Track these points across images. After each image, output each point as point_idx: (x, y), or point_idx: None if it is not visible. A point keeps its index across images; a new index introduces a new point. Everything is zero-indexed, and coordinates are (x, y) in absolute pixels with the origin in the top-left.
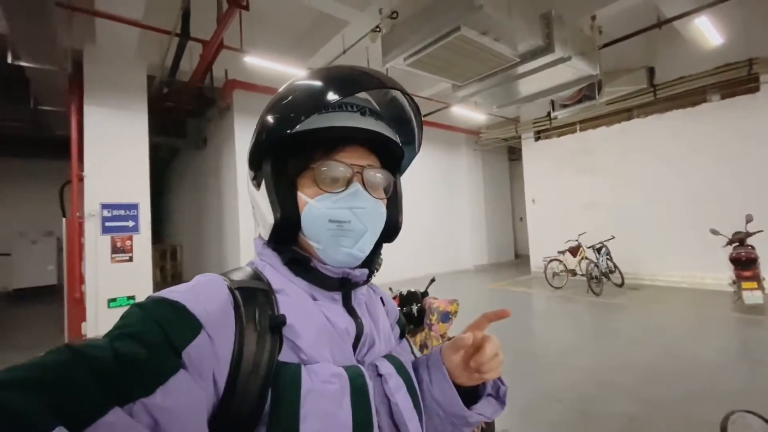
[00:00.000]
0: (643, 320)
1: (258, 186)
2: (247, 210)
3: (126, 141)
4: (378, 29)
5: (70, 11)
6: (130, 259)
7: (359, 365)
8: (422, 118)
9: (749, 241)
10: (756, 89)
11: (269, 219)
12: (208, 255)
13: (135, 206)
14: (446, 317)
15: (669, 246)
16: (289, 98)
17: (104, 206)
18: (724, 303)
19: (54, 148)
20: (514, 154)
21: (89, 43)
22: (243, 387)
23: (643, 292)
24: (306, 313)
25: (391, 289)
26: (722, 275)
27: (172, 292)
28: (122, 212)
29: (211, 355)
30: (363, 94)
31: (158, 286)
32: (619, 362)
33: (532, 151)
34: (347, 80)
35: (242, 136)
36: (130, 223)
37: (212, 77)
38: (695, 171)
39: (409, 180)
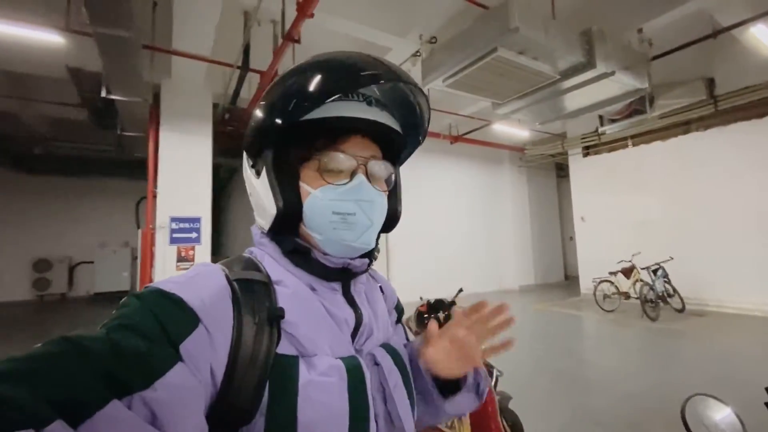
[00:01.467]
0: (705, 349)
1: (258, 174)
2: None
3: (193, 161)
4: (418, 54)
5: (152, 51)
6: None
7: (357, 356)
8: (431, 112)
9: None
10: None
11: (270, 209)
12: None
13: (198, 220)
14: None
15: (739, 270)
16: (295, 85)
17: (172, 219)
18: None
19: (132, 169)
20: (562, 170)
21: (166, 77)
22: (240, 379)
23: (707, 319)
24: (304, 304)
25: (421, 297)
26: None
27: (169, 283)
28: (187, 225)
29: (209, 348)
30: (369, 84)
31: None
32: (672, 390)
33: (580, 168)
34: (359, 69)
35: None
36: (194, 235)
37: None
38: (764, 187)
39: (450, 196)
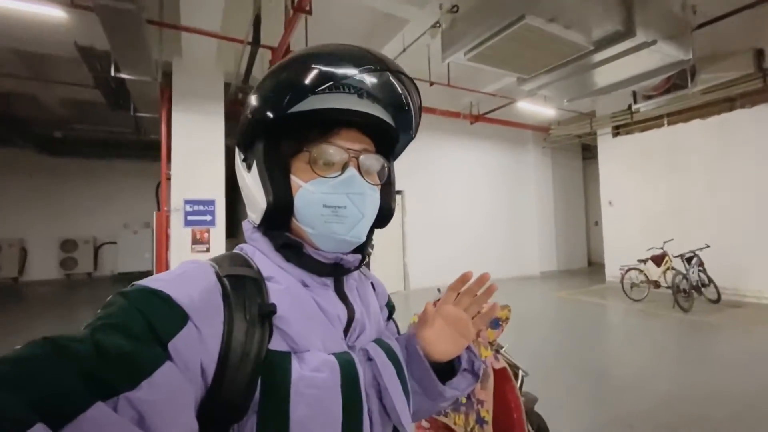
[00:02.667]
0: (745, 344)
1: (249, 168)
2: None
3: (206, 143)
4: (438, 25)
5: (160, 27)
6: (207, 250)
7: (350, 351)
8: (422, 102)
9: None
10: None
11: (261, 203)
12: None
13: (212, 202)
14: (496, 323)
15: None
16: (286, 76)
17: (187, 202)
18: None
19: (152, 150)
20: (589, 152)
21: (177, 55)
22: (232, 376)
23: (745, 311)
24: (296, 300)
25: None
26: None
27: (157, 281)
28: (201, 207)
29: (199, 345)
30: (360, 76)
31: None
32: (711, 391)
33: (610, 149)
34: (346, 60)
35: None
36: (208, 218)
37: None
38: None
39: (469, 179)
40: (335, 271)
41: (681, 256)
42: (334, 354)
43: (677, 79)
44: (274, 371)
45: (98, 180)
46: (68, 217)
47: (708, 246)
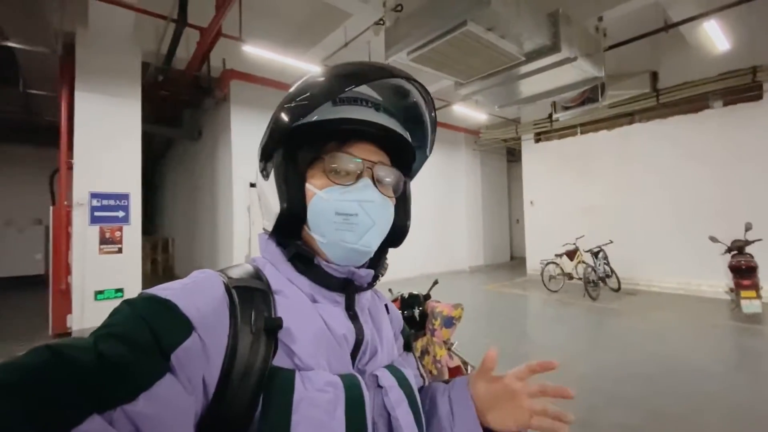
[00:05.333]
0: (641, 327)
1: (267, 176)
2: (241, 207)
3: (118, 129)
4: (381, 22)
5: None
6: (120, 251)
7: (356, 374)
8: (437, 121)
9: (748, 249)
10: (759, 97)
11: (275, 208)
12: (200, 248)
13: (126, 196)
14: (450, 322)
15: (666, 252)
16: (305, 87)
17: (93, 195)
18: (721, 311)
19: (45, 135)
20: (512, 155)
21: (82, 25)
22: (234, 391)
23: (639, 298)
24: (304, 316)
25: (390, 290)
26: (719, 283)
27: (164, 290)
28: (112, 202)
29: (202, 357)
30: (379, 92)
31: (148, 279)
32: (621, 371)
33: (532, 153)
34: (364, 69)
35: (238, 128)
36: (120, 214)
37: (209, 66)
38: (695, 177)
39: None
40: (346, 288)
41: (590, 250)
42: (339, 375)
43: (590, 94)
44: (277, 389)
45: None
46: None
47: (611, 241)
